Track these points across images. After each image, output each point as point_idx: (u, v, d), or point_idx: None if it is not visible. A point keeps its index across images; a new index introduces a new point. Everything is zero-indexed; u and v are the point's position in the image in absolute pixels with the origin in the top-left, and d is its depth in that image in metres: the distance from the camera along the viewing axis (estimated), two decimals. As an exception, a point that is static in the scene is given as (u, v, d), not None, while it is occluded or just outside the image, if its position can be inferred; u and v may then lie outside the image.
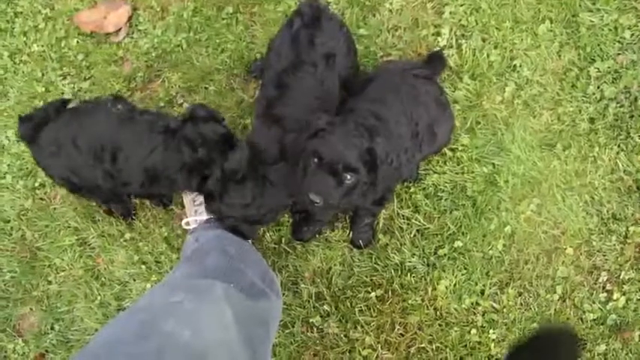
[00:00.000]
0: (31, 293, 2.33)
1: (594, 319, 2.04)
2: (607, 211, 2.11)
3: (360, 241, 2.13)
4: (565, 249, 2.10)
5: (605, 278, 2.07)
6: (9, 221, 2.38)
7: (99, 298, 2.28)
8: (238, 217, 1.83)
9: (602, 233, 2.10)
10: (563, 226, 2.11)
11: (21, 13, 2.57)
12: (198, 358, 1.21)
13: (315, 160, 1.62)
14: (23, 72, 2.50)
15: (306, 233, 2.16)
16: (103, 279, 2.29)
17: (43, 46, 2.52)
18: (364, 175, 1.63)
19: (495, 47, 2.25)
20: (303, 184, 1.66)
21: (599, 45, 2.20)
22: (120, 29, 2.47)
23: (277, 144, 1.80)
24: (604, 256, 2.08)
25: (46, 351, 2.29)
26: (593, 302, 2.05)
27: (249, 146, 1.78)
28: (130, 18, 2.48)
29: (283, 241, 2.22)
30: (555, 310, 2.05)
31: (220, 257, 1.76)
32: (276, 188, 1.79)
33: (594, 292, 2.07)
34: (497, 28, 2.26)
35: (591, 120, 2.17)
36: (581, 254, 2.09)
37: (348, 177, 1.61)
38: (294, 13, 1.91)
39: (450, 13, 2.29)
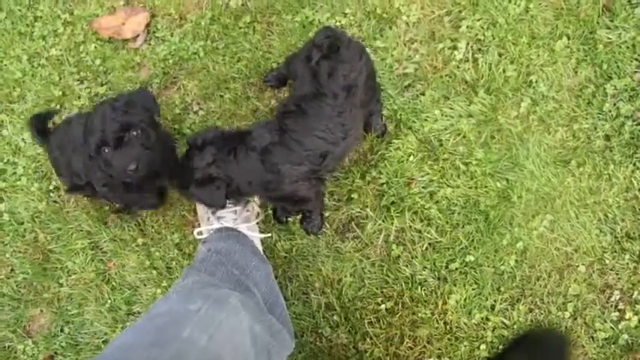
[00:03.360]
0: (42, 295, 2.39)
1: (606, 339, 2.07)
2: (621, 230, 2.14)
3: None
4: (577, 266, 2.13)
5: (617, 297, 2.10)
6: (22, 223, 2.45)
7: (109, 302, 2.33)
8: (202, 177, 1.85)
9: (616, 252, 2.13)
10: (575, 244, 2.14)
11: (40, 17, 2.64)
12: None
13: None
14: (41, 75, 2.57)
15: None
16: (113, 283, 2.35)
17: (61, 50, 2.59)
18: None
19: (512, 62, 2.29)
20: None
21: (616, 62, 2.24)
22: (138, 35, 2.54)
23: (265, 144, 1.84)
24: (617, 274, 2.12)
25: (55, 353, 2.34)
26: (605, 321, 2.08)
27: (247, 130, 1.88)
28: (148, 25, 2.55)
29: (294, 250, 2.27)
30: (566, 327, 2.08)
31: (231, 271, 1.83)
32: (238, 166, 1.83)
33: (606, 311, 2.10)
34: (513, 43, 2.30)
35: (607, 137, 2.20)
36: (593, 272, 2.12)
37: None
38: (311, 45, 1.89)
39: (467, 27, 2.34)
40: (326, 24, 2.39)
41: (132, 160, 1.84)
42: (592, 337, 2.08)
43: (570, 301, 2.11)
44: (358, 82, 1.86)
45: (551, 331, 1.64)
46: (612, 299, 2.10)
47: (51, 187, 2.45)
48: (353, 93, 1.84)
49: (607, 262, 2.12)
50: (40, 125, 2.30)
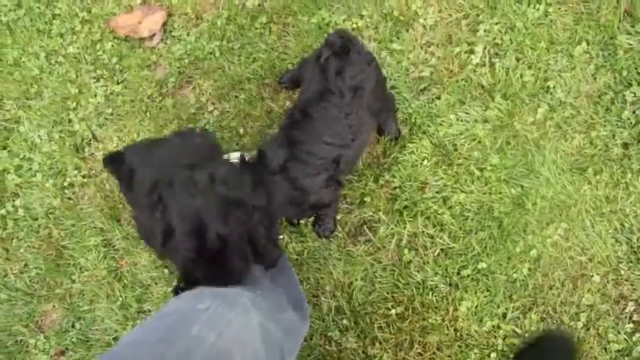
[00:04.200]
0: (54, 291, 2.43)
1: (619, 350, 2.05)
2: (637, 240, 2.12)
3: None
4: (592, 276, 2.11)
5: (632, 308, 2.08)
6: (37, 219, 2.49)
7: (120, 299, 2.36)
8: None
9: (631, 262, 2.11)
10: (590, 253, 2.13)
11: (59, 15, 2.68)
12: (223, 357, 1.27)
13: None
14: (58, 73, 2.61)
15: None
16: (125, 281, 2.38)
17: (78, 48, 2.63)
18: None
19: (529, 67, 2.28)
20: None
21: (636, 69, 2.21)
22: (154, 34, 2.57)
23: (282, 162, 1.84)
24: (632, 285, 2.10)
25: (67, 348, 2.38)
26: (619, 332, 2.07)
27: (259, 153, 1.86)
28: (164, 24, 2.58)
29: (305, 253, 2.28)
30: (579, 338, 2.07)
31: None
32: (269, 196, 1.80)
33: (620, 322, 2.08)
34: (531, 48, 2.29)
35: (625, 145, 2.18)
36: (608, 282, 2.11)
37: None
38: (323, 43, 1.92)
39: (485, 31, 2.33)
40: (342, 26, 2.41)
41: (231, 276, 1.60)
42: (605, 349, 2.06)
43: (583, 311, 2.09)
44: (365, 86, 1.87)
45: (558, 336, 1.64)
46: (627, 310, 2.09)
47: (65, 184, 2.49)
48: (359, 95, 1.84)
49: (622, 272, 2.10)
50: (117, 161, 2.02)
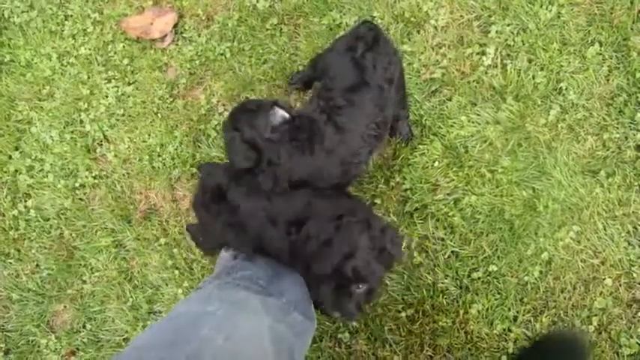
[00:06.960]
0: (65, 291, 2.52)
1: (631, 355, 2.10)
2: (650, 243, 2.17)
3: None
4: (604, 279, 2.16)
5: (644, 312, 2.14)
6: (48, 219, 2.58)
7: (131, 300, 2.45)
8: None
9: (644, 265, 2.16)
10: (602, 256, 2.18)
11: (71, 16, 2.77)
12: (232, 359, 1.33)
13: None
14: (70, 74, 2.70)
15: None
16: (135, 282, 2.46)
17: (90, 49, 2.71)
18: None
19: (541, 69, 2.34)
20: None
21: (650, 71, 2.27)
22: (165, 36, 2.66)
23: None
24: (644, 289, 2.15)
25: (77, 349, 2.46)
26: (631, 336, 2.11)
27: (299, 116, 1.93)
28: (175, 25, 2.66)
29: (315, 254, 2.34)
30: (590, 341, 2.12)
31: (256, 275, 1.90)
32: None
33: (632, 325, 2.13)
34: (544, 50, 2.34)
35: (638, 147, 2.23)
36: (620, 286, 2.16)
37: None
38: (354, 37, 1.93)
39: (497, 32, 2.39)
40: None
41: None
42: (617, 353, 2.11)
43: (595, 315, 2.14)
44: (395, 76, 1.93)
45: (570, 336, 1.69)
46: (639, 314, 2.13)
47: (77, 185, 2.58)
48: (392, 86, 1.91)
49: (635, 275, 2.15)
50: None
